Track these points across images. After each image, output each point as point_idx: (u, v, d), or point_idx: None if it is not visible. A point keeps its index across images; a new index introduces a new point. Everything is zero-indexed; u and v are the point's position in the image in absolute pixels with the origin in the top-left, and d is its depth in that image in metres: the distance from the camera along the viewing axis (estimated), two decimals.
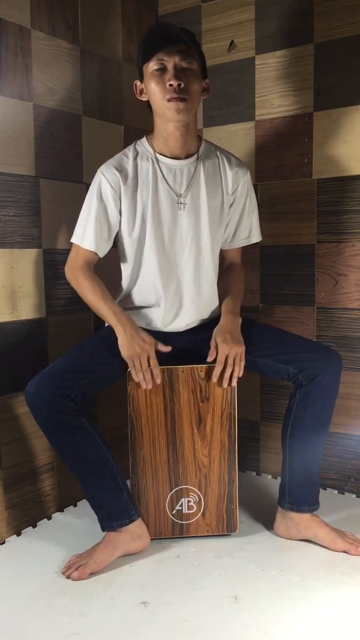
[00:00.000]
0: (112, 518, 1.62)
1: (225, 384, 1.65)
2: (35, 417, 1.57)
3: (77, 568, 1.55)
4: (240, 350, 1.63)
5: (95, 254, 1.68)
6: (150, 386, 1.62)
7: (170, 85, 1.54)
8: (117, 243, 1.73)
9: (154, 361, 1.61)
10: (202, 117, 2.17)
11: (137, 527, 1.64)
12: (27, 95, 1.76)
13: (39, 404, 1.54)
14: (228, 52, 2.12)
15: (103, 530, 1.64)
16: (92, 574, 1.55)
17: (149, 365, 1.61)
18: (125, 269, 1.74)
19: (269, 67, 2.05)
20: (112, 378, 1.67)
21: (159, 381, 1.63)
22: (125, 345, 1.60)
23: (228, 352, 1.62)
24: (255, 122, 2.10)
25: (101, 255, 1.70)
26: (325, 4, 1.92)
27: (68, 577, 1.54)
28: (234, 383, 1.65)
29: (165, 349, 1.64)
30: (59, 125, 1.87)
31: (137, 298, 1.73)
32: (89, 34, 1.96)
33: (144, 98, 1.66)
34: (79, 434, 1.57)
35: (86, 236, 1.66)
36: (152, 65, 1.58)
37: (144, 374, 1.60)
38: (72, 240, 1.69)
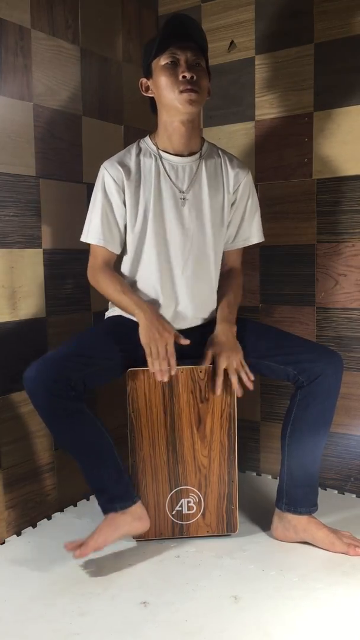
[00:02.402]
0: (114, 500, 1.60)
1: (239, 394, 1.64)
2: (34, 402, 1.55)
3: (79, 546, 1.54)
4: (238, 357, 1.63)
5: (108, 250, 1.67)
6: (165, 378, 1.58)
7: (184, 77, 1.56)
8: None
9: (171, 349, 1.58)
10: (203, 117, 2.17)
11: (138, 508, 1.64)
12: (27, 95, 1.76)
13: (38, 389, 1.51)
14: (228, 52, 2.13)
15: (105, 513, 1.61)
16: (93, 572, 1.55)
17: (167, 354, 1.58)
18: (125, 264, 1.73)
19: (269, 67, 2.05)
20: (111, 374, 1.66)
21: (173, 372, 1.59)
22: (144, 331, 1.59)
23: (227, 364, 1.62)
24: (255, 122, 2.10)
25: (113, 249, 1.68)
26: (325, 4, 1.92)
27: (71, 551, 1.53)
28: (251, 386, 1.63)
29: (185, 342, 1.61)
30: (59, 125, 1.87)
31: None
32: (89, 34, 1.96)
33: (150, 94, 1.67)
34: (79, 418, 1.56)
35: (94, 232, 1.66)
36: (163, 59, 1.59)
37: (161, 363, 1.57)
38: (82, 239, 1.69)
